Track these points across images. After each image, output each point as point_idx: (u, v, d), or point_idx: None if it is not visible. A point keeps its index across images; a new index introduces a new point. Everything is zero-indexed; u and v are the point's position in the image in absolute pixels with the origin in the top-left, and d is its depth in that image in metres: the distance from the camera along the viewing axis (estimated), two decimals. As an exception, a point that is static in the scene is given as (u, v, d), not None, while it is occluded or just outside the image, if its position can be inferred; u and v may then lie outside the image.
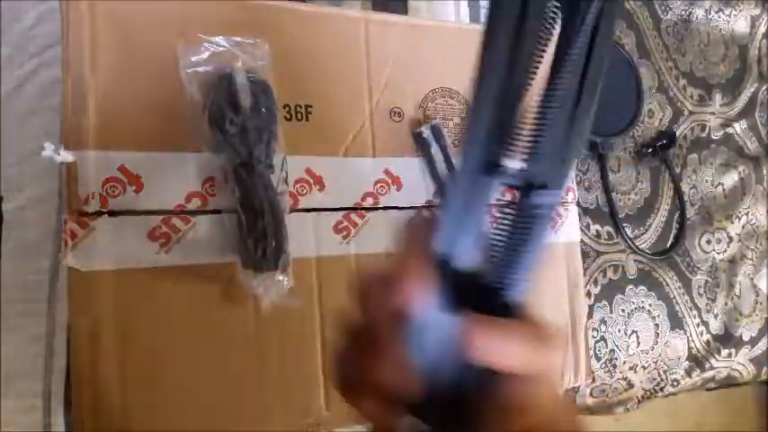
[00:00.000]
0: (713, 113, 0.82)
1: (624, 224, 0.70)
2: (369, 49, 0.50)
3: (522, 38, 0.19)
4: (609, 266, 0.69)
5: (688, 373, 0.73)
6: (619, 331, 0.67)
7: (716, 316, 0.77)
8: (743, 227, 0.81)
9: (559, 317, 0.56)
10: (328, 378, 0.46)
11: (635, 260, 0.71)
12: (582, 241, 0.65)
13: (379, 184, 0.49)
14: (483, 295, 0.22)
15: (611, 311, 0.67)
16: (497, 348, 0.21)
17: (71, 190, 0.40)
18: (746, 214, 0.82)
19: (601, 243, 0.69)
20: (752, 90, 0.86)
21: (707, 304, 0.76)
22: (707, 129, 0.81)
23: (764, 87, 0.87)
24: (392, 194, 0.50)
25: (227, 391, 0.43)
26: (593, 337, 0.65)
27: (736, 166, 0.82)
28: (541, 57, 0.20)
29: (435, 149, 0.51)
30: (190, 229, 0.43)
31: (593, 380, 0.65)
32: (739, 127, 0.84)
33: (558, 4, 0.20)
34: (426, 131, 0.51)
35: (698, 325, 0.75)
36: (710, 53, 0.82)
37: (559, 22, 0.20)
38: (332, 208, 0.47)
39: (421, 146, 0.51)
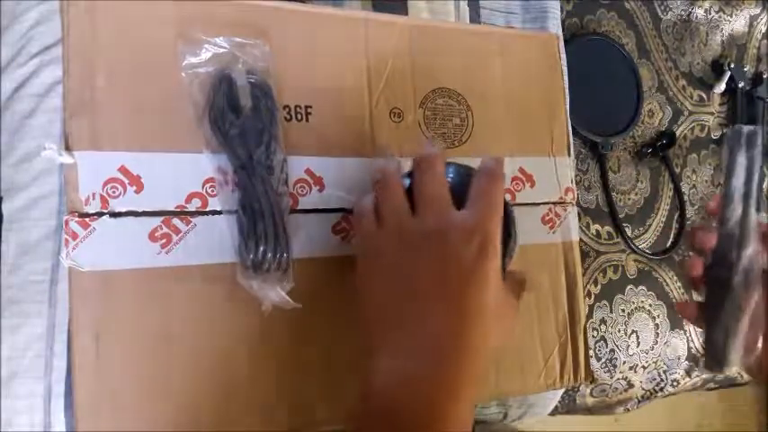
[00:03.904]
0: (712, 113, 0.82)
1: (624, 224, 0.70)
2: (369, 50, 0.50)
3: None
4: (609, 266, 0.69)
5: (688, 373, 0.74)
6: (619, 331, 0.68)
7: (715, 316, 0.77)
8: (742, 227, 0.81)
9: (559, 317, 0.56)
10: (328, 378, 0.46)
11: (635, 260, 0.71)
12: (582, 241, 0.65)
13: (379, 184, 0.49)
14: None
15: (611, 311, 0.67)
16: None
17: (71, 190, 0.40)
18: (746, 214, 0.82)
19: (601, 243, 0.69)
20: (752, 90, 0.86)
21: (706, 304, 0.76)
22: (706, 129, 0.81)
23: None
24: (392, 195, 0.50)
25: (228, 391, 0.43)
26: (593, 337, 0.65)
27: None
28: None
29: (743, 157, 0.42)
30: (190, 229, 0.43)
31: (593, 380, 0.66)
32: (739, 127, 0.84)
33: None
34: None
35: (698, 325, 0.75)
36: (710, 53, 0.83)
37: None
38: (331, 209, 0.47)
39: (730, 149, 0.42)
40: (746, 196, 0.40)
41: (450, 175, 0.43)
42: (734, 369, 0.40)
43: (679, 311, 0.49)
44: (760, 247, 0.40)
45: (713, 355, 0.40)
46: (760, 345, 0.40)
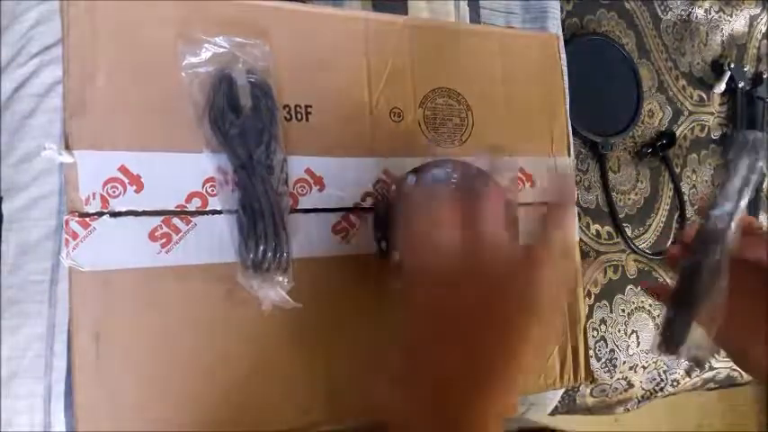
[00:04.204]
0: (712, 113, 0.82)
1: (624, 224, 0.70)
2: (369, 50, 0.50)
3: None
4: (609, 266, 0.69)
5: (688, 373, 0.73)
6: (619, 331, 0.67)
7: (716, 316, 0.77)
8: (742, 227, 0.81)
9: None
10: (328, 378, 0.46)
11: (635, 260, 0.71)
12: (582, 241, 0.65)
13: (379, 184, 0.49)
14: None
15: (611, 311, 0.67)
16: None
17: (71, 190, 0.40)
18: (746, 214, 0.82)
19: (601, 243, 0.69)
20: (751, 90, 0.86)
21: (707, 304, 0.76)
22: (706, 129, 0.81)
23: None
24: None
25: (228, 391, 0.43)
26: (593, 337, 0.65)
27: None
28: None
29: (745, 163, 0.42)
30: (190, 229, 0.43)
31: (593, 380, 0.65)
32: (739, 127, 0.84)
33: None
34: None
35: (698, 325, 0.75)
36: (710, 53, 0.83)
37: None
38: (331, 208, 0.47)
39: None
40: (739, 198, 0.42)
41: (455, 176, 0.42)
42: (690, 352, 0.41)
43: (643, 288, 0.50)
44: (739, 239, 0.41)
45: (672, 336, 0.41)
46: (714, 329, 0.41)
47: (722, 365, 0.76)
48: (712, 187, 0.79)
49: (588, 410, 0.69)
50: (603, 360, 0.66)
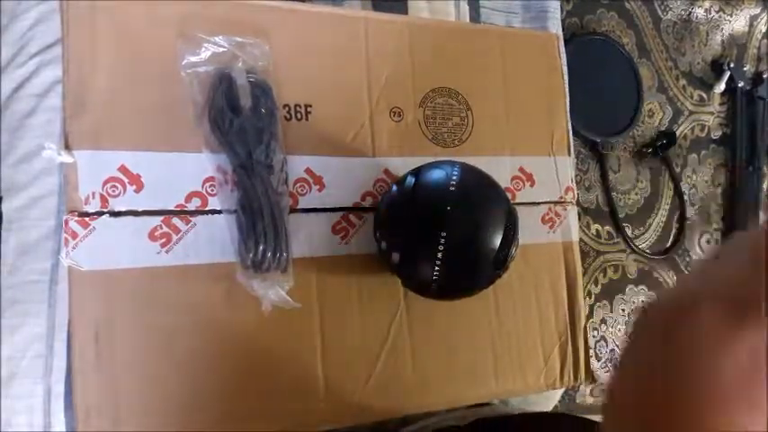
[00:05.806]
0: (712, 113, 0.82)
1: (624, 224, 0.70)
2: (369, 49, 0.50)
3: None
4: (609, 266, 0.69)
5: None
6: (619, 331, 0.67)
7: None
8: (743, 226, 0.81)
9: (559, 317, 0.56)
10: (327, 378, 0.46)
11: (635, 260, 0.71)
12: (582, 241, 0.65)
13: (378, 184, 0.49)
14: None
15: (611, 311, 0.67)
16: None
17: (71, 189, 0.40)
18: (746, 214, 0.82)
19: (601, 243, 0.69)
20: (752, 90, 0.86)
21: (707, 304, 0.76)
22: (706, 129, 0.81)
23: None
24: (392, 194, 0.50)
25: (227, 391, 0.43)
26: (594, 336, 0.65)
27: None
28: None
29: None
30: (190, 229, 0.43)
31: (593, 380, 0.65)
32: (739, 127, 0.84)
33: None
34: None
35: (698, 325, 0.75)
36: (710, 53, 0.83)
37: None
38: (331, 208, 0.47)
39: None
40: None
41: (456, 174, 0.42)
42: None
43: None
44: None
45: None
46: None
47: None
48: (714, 188, 0.79)
49: (588, 410, 0.69)
50: (604, 360, 0.66)
